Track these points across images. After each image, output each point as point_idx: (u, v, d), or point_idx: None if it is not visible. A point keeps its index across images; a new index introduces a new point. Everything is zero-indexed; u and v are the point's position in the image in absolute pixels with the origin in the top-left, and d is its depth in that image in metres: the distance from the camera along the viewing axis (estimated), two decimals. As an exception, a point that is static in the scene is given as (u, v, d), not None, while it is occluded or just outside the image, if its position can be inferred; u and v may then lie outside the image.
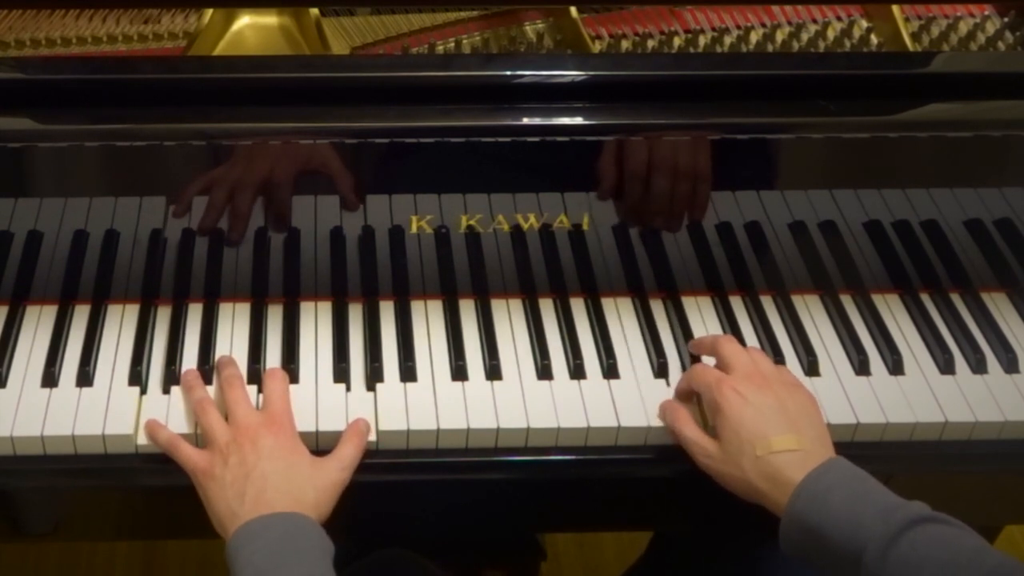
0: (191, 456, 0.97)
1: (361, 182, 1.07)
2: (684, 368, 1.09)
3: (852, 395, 1.07)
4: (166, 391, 1.05)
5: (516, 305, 1.15)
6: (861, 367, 1.10)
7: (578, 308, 1.15)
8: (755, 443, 0.93)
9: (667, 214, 1.13)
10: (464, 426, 1.02)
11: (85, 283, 1.12)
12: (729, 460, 0.95)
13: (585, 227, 1.12)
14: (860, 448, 1.01)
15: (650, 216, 1.12)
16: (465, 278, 1.15)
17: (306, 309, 1.14)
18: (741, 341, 1.12)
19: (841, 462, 0.92)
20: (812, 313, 1.17)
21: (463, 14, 1.26)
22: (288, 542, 0.88)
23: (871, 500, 0.88)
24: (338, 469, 0.97)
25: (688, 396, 1.05)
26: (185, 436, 1.00)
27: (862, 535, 0.85)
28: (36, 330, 1.10)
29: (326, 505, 0.95)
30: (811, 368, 1.10)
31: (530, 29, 1.28)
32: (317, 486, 0.94)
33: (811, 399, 1.00)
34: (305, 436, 1.00)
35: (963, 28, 1.30)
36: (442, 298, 1.15)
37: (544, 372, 1.08)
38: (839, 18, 1.31)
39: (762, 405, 0.96)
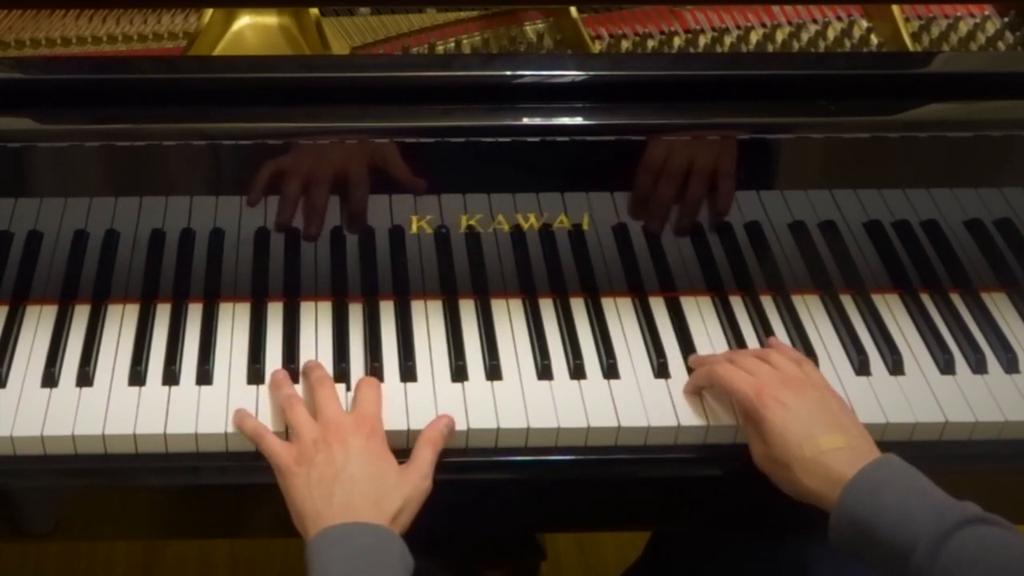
0: (276, 448, 0.96)
1: (361, 182, 1.07)
2: (685, 368, 1.09)
3: (852, 395, 1.06)
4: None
5: (516, 305, 1.15)
6: (861, 367, 1.10)
7: (578, 308, 1.15)
8: (803, 445, 0.93)
9: (667, 214, 1.13)
10: (464, 426, 1.02)
11: (85, 283, 1.12)
12: (778, 463, 0.95)
13: (585, 227, 1.12)
14: (860, 448, 1.01)
15: (650, 216, 1.12)
16: (465, 278, 1.15)
17: (306, 309, 1.14)
18: (741, 341, 1.12)
19: (894, 458, 0.92)
20: (812, 313, 1.17)
21: (463, 14, 1.26)
22: (370, 555, 0.88)
23: (924, 497, 0.88)
24: (420, 477, 0.96)
25: (698, 391, 1.05)
26: (183, 436, 1.00)
27: (914, 531, 0.85)
28: (36, 330, 1.10)
29: (409, 515, 0.94)
30: (811, 368, 1.10)
31: (530, 29, 1.28)
32: (403, 495, 0.94)
33: (842, 399, 1.01)
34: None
35: (963, 28, 1.30)
36: (442, 298, 1.15)
37: (544, 372, 1.08)
38: (839, 18, 1.31)
39: (804, 408, 0.96)
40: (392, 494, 0.93)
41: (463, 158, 1.06)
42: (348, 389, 1.05)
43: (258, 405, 1.03)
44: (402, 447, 1.01)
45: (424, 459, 0.97)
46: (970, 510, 0.87)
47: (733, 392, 1.00)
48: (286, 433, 1.00)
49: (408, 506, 0.94)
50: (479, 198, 1.10)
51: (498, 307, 1.15)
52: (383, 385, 1.05)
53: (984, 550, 0.83)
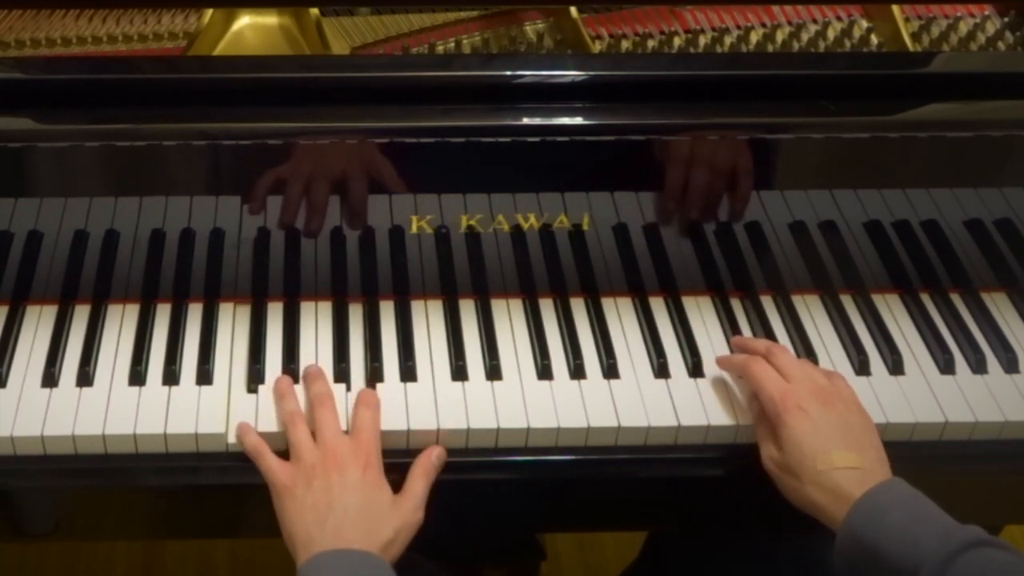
0: (274, 468, 0.97)
1: (361, 182, 1.07)
2: (685, 368, 1.09)
3: (852, 395, 1.06)
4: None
5: (516, 305, 1.15)
6: (861, 367, 1.10)
7: (578, 308, 1.15)
8: (817, 458, 0.93)
9: (668, 213, 1.13)
10: (464, 426, 1.02)
11: (85, 283, 1.12)
12: (789, 471, 0.95)
13: (585, 227, 1.12)
14: (860, 448, 1.01)
15: (651, 215, 1.12)
16: (465, 278, 1.15)
17: (306, 309, 1.14)
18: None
19: (901, 482, 0.92)
20: (812, 313, 1.17)
21: (463, 14, 1.26)
22: None
23: (930, 520, 0.88)
24: (414, 509, 0.96)
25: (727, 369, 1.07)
26: (183, 436, 1.00)
27: (918, 554, 0.85)
28: (36, 330, 1.10)
29: (400, 546, 0.95)
30: (811, 368, 1.10)
31: (530, 29, 1.28)
32: (396, 526, 0.94)
33: (869, 417, 1.00)
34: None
35: (963, 28, 1.30)
36: (442, 298, 1.15)
37: (544, 372, 1.08)
38: (839, 18, 1.31)
39: (826, 422, 0.96)
40: (384, 525, 0.94)
41: (463, 158, 1.06)
42: (348, 390, 1.05)
43: (258, 406, 1.03)
44: (401, 447, 1.02)
45: (416, 491, 0.97)
46: (974, 533, 0.86)
47: (760, 391, 1.00)
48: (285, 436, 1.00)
49: (399, 538, 0.94)
50: (479, 198, 1.10)
51: (498, 307, 1.15)
52: (383, 385, 1.05)
53: (988, 573, 0.84)
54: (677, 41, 1.27)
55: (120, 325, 1.11)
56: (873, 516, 0.89)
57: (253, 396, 1.04)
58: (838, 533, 0.91)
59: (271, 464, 0.97)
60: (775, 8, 1.30)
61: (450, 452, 1.02)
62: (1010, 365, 1.12)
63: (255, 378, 1.06)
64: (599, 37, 1.26)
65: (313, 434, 0.99)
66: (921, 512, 0.89)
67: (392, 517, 0.95)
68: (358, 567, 0.90)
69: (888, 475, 0.94)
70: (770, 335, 1.13)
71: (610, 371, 1.08)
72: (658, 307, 1.16)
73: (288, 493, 0.95)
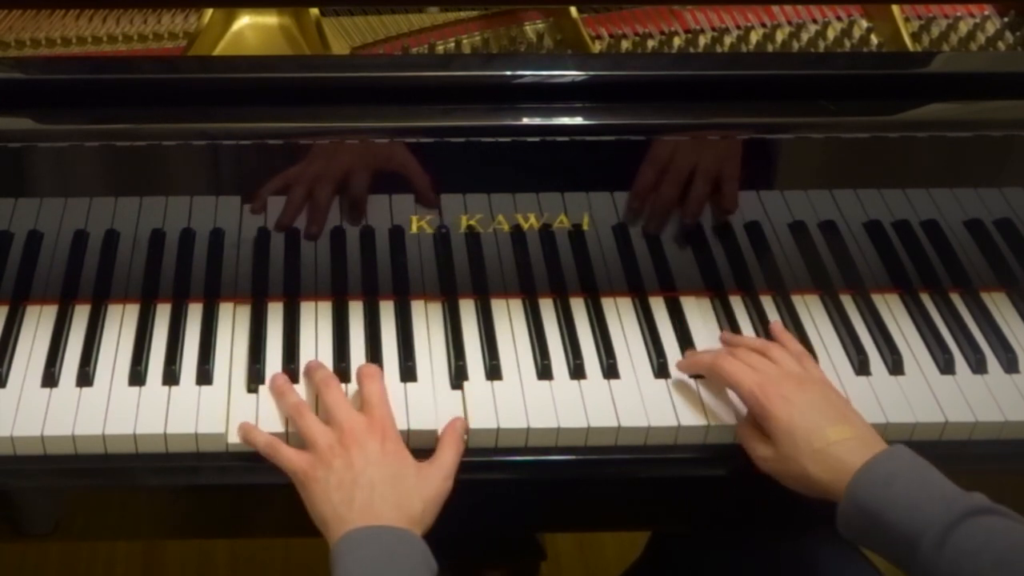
0: (292, 458, 0.96)
1: (362, 182, 1.07)
2: (684, 368, 1.10)
3: (852, 395, 1.06)
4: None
5: (516, 305, 1.15)
6: (861, 367, 1.10)
7: (578, 308, 1.15)
8: (811, 438, 0.94)
9: (667, 214, 1.13)
10: (464, 426, 1.02)
11: (85, 283, 1.12)
12: (787, 459, 0.96)
13: (585, 227, 1.12)
14: (860, 448, 1.01)
15: (650, 216, 1.12)
16: (465, 278, 1.15)
17: (306, 309, 1.14)
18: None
19: (903, 449, 0.93)
20: (812, 313, 1.17)
21: (463, 14, 1.26)
22: (392, 556, 0.88)
23: (933, 488, 0.89)
24: (442, 478, 0.96)
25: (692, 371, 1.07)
26: (183, 436, 1.00)
27: (922, 521, 0.86)
28: (36, 330, 1.10)
29: (431, 516, 0.95)
30: (811, 368, 1.10)
31: (530, 29, 1.28)
32: (424, 497, 0.94)
33: (840, 393, 1.02)
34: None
35: (963, 28, 1.30)
36: (442, 298, 1.15)
37: (544, 372, 1.08)
38: (839, 18, 1.31)
39: (808, 403, 0.97)
40: (412, 496, 0.94)
41: (463, 158, 1.06)
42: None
43: (258, 405, 1.03)
44: (402, 447, 1.02)
45: (447, 460, 0.98)
46: (978, 500, 0.87)
47: (737, 387, 1.00)
48: (287, 435, 1.00)
49: (429, 507, 0.94)
50: (479, 198, 1.10)
51: (498, 307, 1.15)
52: (383, 385, 1.05)
53: (991, 539, 0.84)
54: (677, 41, 1.27)
55: (120, 325, 1.11)
56: (877, 485, 0.89)
57: (253, 396, 1.04)
58: (840, 502, 0.91)
59: (289, 456, 0.97)
60: (775, 8, 1.30)
61: (450, 452, 1.02)
62: (1010, 365, 1.12)
63: (255, 378, 1.06)
64: (599, 37, 1.26)
65: (323, 419, 0.99)
66: (925, 480, 0.90)
67: (420, 486, 0.95)
68: (391, 543, 0.89)
69: (880, 439, 0.95)
70: (770, 336, 1.13)
71: (610, 371, 1.08)
72: (658, 307, 1.16)
73: (311, 479, 0.94)
